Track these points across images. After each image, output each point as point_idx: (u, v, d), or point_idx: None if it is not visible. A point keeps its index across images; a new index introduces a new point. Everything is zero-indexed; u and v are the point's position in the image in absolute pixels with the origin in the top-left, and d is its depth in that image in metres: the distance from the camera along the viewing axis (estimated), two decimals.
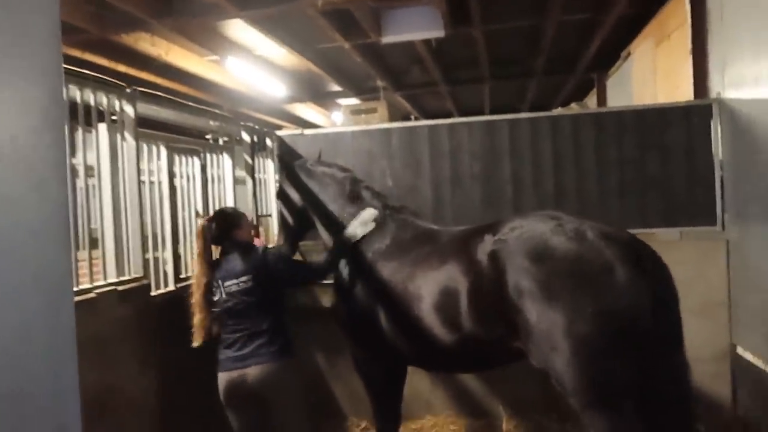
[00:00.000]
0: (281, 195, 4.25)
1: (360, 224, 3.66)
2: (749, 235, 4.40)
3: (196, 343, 3.17)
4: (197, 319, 3.18)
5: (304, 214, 4.10)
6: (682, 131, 4.87)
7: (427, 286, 3.20)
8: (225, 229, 3.36)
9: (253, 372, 3.14)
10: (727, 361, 4.71)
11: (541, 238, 2.84)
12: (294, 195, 4.12)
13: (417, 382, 4.78)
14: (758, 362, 4.27)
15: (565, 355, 2.66)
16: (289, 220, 4.19)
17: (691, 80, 5.47)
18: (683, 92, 5.74)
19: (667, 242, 4.68)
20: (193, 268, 3.39)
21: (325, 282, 4.03)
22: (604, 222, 3.06)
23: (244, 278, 3.20)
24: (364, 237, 3.67)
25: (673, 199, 4.87)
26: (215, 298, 3.23)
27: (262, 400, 3.17)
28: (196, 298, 3.20)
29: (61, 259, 1.13)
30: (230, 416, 3.25)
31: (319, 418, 4.88)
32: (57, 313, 1.08)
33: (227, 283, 3.21)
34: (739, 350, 4.59)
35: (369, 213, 3.70)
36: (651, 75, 7.42)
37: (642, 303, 2.63)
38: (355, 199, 3.87)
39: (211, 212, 4.32)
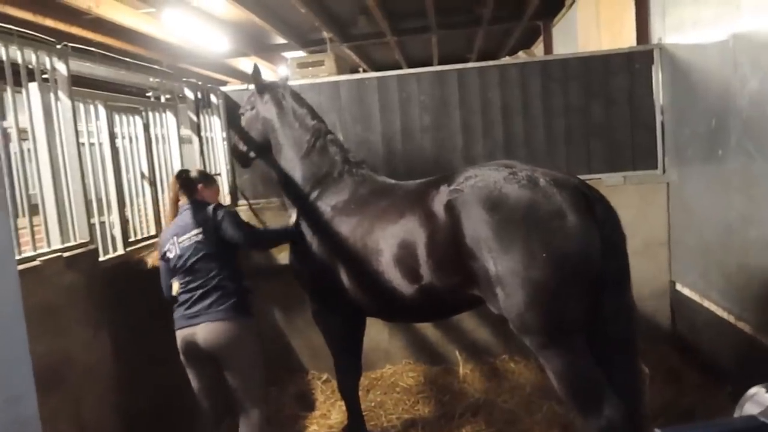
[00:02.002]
0: (236, 122, 4.26)
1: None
2: (688, 177, 4.60)
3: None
4: None
5: (256, 144, 4.11)
6: (624, 77, 4.98)
7: (386, 240, 3.23)
8: (190, 183, 3.41)
9: (202, 330, 3.16)
10: (667, 297, 4.99)
11: (494, 186, 2.88)
12: (254, 124, 4.09)
13: (375, 334, 4.88)
14: (694, 296, 4.54)
15: (522, 299, 2.75)
16: (240, 145, 4.23)
17: (634, 26, 5.55)
18: (626, 39, 5.82)
19: (611, 187, 4.85)
20: (166, 218, 3.49)
21: None
22: (552, 169, 3.13)
23: (194, 232, 3.24)
24: (321, 193, 3.69)
25: (617, 145, 5.02)
26: (171, 256, 3.26)
27: (214, 357, 3.19)
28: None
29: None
30: (188, 373, 3.29)
31: (280, 373, 4.95)
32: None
33: (181, 239, 3.25)
34: (678, 286, 4.86)
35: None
36: (595, 22, 7.50)
37: (592, 246, 2.73)
38: (321, 152, 3.82)
39: (157, 173, 4.21)
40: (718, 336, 4.18)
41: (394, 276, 3.20)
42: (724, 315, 4.04)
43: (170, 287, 3.31)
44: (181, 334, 3.22)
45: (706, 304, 4.32)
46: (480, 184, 2.94)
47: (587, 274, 2.73)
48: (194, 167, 3.70)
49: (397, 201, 3.36)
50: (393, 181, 3.71)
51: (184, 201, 3.42)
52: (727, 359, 4.05)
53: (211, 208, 3.33)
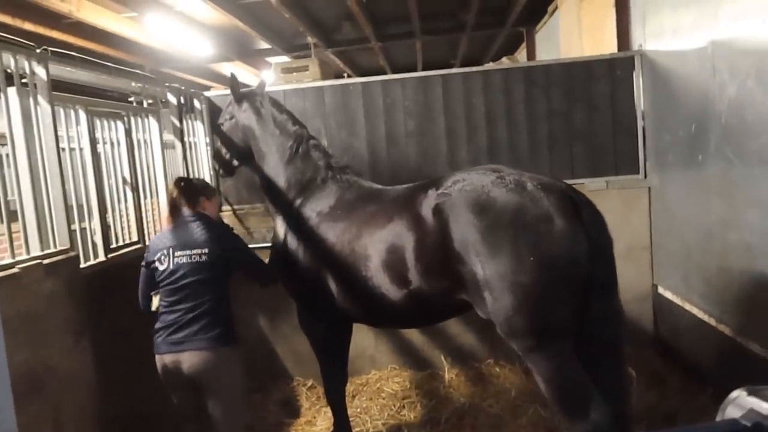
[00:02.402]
0: (218, 128, 4.21)
1: None
2: (669, 182, 4.66)
3: None
4: None
5: (238, 152, 4.06)
6: (606, 83, 5.04)
7: (374, 245, 3.21)
8: (195, 193, 3.25)
9: (188, 358, 3.02)
10: (650, 301, 5.04)
11: (482, 190, 2.89)
12: (234, 133, 4.05)
13: (361, 340, 4.87)
14: (676, 300, 4.59)
15: (509, 303, 2.75)
16: (223, 153, 4.18)
17: (615, 33, 5.63)
18: (607, 45, 5.91)
19: (594, 191, 4.89)
20: (163, 222, 3.37)
21: (265, 244, 3.97)
22: (537, 174, 3.15)
23: (197, 251, 3.08)
24: (307, 199, 3.65)
25: (599, 150, 5.07)
26: (161, 268, 3.11)
27: (198, 385, 3.08)
28: None
29: None
30: (169, 392, 3.19)
31: (264, 379, 4.91)
32: None
33: (178, 253, 3.08)
34: (660, 290, 4.91)
35: None
36: (577, 28, 7.58)
37: (580, 250, 2.74)
38: (304, 158, 3.78)
39: (140, 179, 4.16)
40: (699, 339, 4.23)
41: (382, 281, 3.19)
42: (705, 318, 4.09)
43: (148, 298, 3.18)
44: (162, 360, 3.09)
45: (688, 307, 4.38)
46: (468, 188, 2.94)
47: (575, 277, 2.74)
48: (192, 176, 3.58)
49: (384, 206, 3.34)
50: (379, 186, 3.70)
51: (186, 211, 3.25)
52: (709, 362, 4.10)
53: (221, 230, 3.19)
